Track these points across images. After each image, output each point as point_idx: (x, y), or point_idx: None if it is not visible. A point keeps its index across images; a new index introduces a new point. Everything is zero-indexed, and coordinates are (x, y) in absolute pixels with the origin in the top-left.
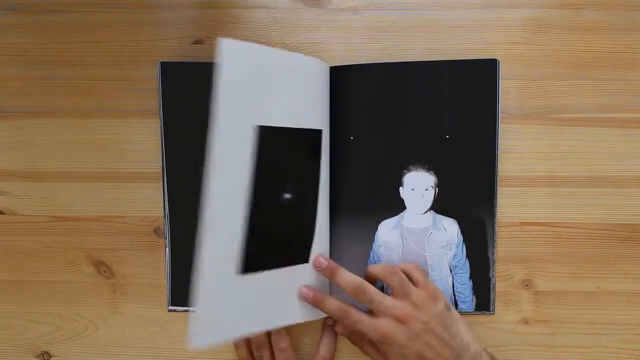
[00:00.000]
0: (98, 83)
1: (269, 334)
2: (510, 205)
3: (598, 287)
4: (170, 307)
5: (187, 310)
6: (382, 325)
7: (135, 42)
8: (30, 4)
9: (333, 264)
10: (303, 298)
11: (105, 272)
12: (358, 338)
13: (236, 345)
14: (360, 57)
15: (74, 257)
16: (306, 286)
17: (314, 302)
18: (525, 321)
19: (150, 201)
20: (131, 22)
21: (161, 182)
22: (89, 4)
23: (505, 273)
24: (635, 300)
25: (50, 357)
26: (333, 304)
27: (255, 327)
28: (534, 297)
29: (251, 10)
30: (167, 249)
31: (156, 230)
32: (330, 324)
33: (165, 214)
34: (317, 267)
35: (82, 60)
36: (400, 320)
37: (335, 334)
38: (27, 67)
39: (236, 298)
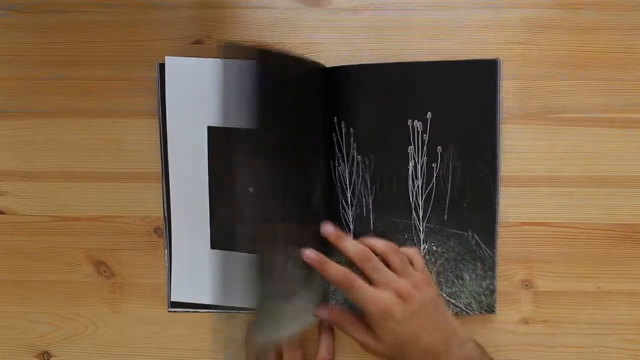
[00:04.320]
0: (98, 83)
1: (278, 354)
2: (510, 205)
3: (598, 287)
4: (171, 309)
5: (187, 311)
6: (383, 297)
7: (135, 42)
8: (30, 4)
9: (340, 231)
10: (307, 259)
11: (105, 272)
12: (344, 319)
13: None
14: (360, 57)
15: (74, 257)
16: (312, 250)
17: (318, 264)
18: (525, 321)
19: (150, 201)
20: (131, 22)
21: (161, 182)
22: (89, 4)
23: (505, 273)
24: (636, 300)
25: (50, 357)
26: (337, 268)
27: (223, 299)
28: (534, 297)
29: (251, 10)
30: (167, 249)
31: (156, 230)
32: (327, 325)
33: (165, 214)
34: (324, 233)
35: (82, 60)
36: (400, 295)
37: (334, 334)
38: (27, 67)
39: (207, 266)
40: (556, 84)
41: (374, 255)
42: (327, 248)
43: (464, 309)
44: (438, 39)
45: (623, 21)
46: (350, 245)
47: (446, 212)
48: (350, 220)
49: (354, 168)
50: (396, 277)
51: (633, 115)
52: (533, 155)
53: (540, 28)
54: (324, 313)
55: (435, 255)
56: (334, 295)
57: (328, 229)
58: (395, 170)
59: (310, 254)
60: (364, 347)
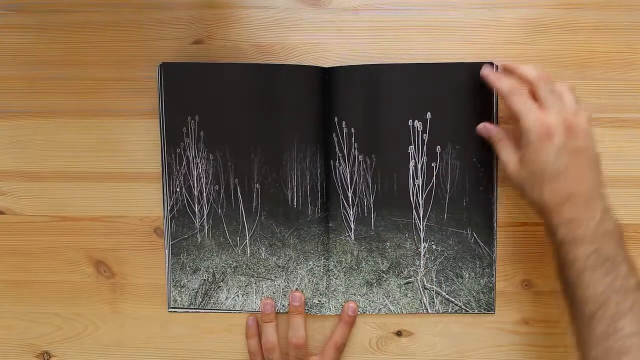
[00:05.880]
0: (98, 83)
1: (278, 337)
2: (511, 205)
3: None
4: (171, 309)
5: (187, 311)
6: (550, 119)
7: (135, 42)
8: (30, 4)
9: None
10: (484, 75)
11: (105, 272)
12: (501, 133)
13: (247, 334)
14: (360, 57)
15: (74, 257)
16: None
17: (492, 79)
18: (525, 321)
19: (150, 201)
20: (131, 22)
21: (161, 183)
22: (89, 4)
23: (505, 273)
24: None
25: (50, 357)
26: (506, 81)
27: None
28: (534, 297)
29: (251, 10)
30: (167, 250)
31: (156, 230)
32: (350, 314)
33: (165, 214)
34: (483, 75)
35: (82, 60)
36: (568, 127)
37: (351, 325)
38: (27, 67)
39: None
40: None
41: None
42: (327, 246)
43: (463, 307)
44: (438, 39)
45: (623, 21)
46: (528, 68)
47: (446, 211)
48: (352, 219)
49: (355, 168)
50: (571, 108)
51: (633, 115)
52: None
53: (540, 28)
54: (489, 129)
55: (435, 254)
56: (334, 294)
57: (485, 71)
58: (396, 169)
59: (487, 71)
60: (505, 166)
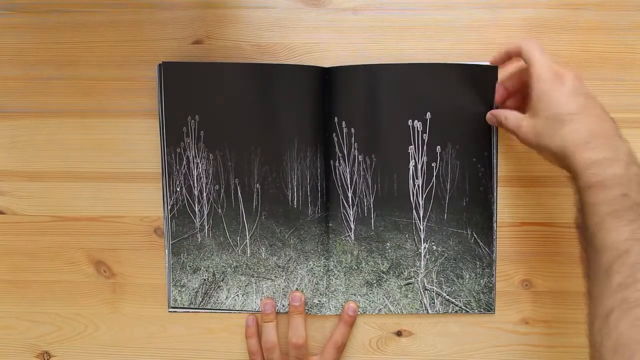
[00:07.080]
0: (98, 83)
1: (278, 337)
2: (511, 205)
3: None
4: (171, 309)
5: (187, 311)
6: (560, 68)
7: (135, 42)
8: (30, 4)
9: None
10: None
11: (105, 272)
12: (501, 110)
13: (247, 334)
14: (360, 57)
15: (74, 257)
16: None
17: (503, 47)
18: (525, 321)
19: (150, 201)
20: (131, 22)
21: (161, 182)
22: (89, 4)
23: (505, 273)
24: None
25: (50, 357)
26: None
27: None
28: (534, 297)
29: (251, 10)
30: (167, 250)
31: (156, 230)
32: (350, 314)
33: (165, 214)
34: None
35: (82, 60)
36: (575, 74)
37: (351, 325)
38: (27, 67)
39: None
40: None
41: None
42: (327, 246)
43: (463, 307)
44: (438, 39)
45: (623, 21)
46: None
47: (446, 211)
48: (351, 219)
49: (355, 168)
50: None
51: (633, 115)
52: (533, 155)
53: (540, 28)
54: (493, 114)
55: (436, 254)
56: (334, 294)
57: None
58: (396, 169)
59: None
60: (518, 131)
